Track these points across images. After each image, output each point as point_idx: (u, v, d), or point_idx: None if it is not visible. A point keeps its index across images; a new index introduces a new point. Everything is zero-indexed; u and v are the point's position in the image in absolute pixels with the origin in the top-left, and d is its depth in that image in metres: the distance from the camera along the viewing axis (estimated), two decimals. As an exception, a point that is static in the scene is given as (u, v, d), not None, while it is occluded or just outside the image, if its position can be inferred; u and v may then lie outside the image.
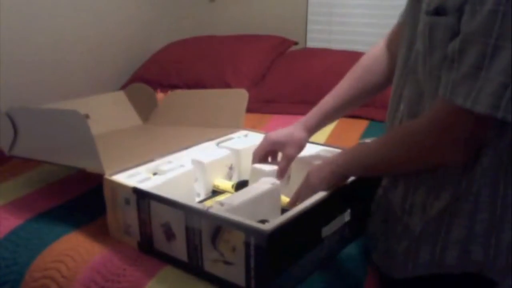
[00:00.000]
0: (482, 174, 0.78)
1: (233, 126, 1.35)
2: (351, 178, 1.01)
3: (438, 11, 0.75)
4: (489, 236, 0.80)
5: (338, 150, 1.20)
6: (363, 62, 1.12)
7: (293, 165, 1.13)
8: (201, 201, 1.13)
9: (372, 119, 1.83)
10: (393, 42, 1.06)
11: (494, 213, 0.79)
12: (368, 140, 1.37)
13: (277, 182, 1.02)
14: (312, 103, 1.46)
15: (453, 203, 0.81)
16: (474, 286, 0.83)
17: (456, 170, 0.80)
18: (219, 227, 0.83)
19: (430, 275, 0.85)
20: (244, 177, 1.21)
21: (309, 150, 1.19)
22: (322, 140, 1.58)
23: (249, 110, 1.37)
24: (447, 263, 0.82)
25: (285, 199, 1.09)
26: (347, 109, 1.12)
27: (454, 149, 0.76)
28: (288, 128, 1.11)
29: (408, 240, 0.87)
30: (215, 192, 1.17)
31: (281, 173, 1.08)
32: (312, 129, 1.11)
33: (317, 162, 1.09)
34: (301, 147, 1.11)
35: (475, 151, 0.77)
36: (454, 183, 0.81)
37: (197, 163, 1.16)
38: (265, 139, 1.11)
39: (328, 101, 1.11)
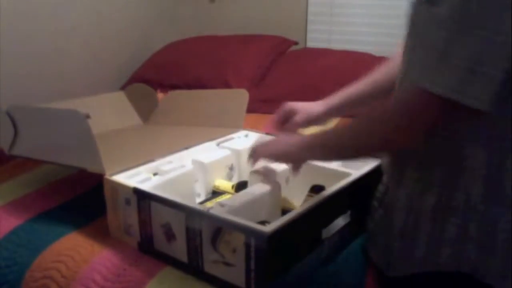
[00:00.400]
0: (471, 173, 0.78)
1: (233, 126, 1.35)
2: (351, 179, 1.01)
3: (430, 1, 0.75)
4: (482, 235, 0.79)
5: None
6: (392, 58, 1.07)
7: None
8: (201, 203, 1.13)
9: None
10: None
11: (486, 213, 0.78)
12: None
13: (278, 182, 1.02)
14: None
15: (446, 202, 0.81)
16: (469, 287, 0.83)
17: (448, 168, 0.80)
18: (220, 228, 0.83)
19: (425, 274, 0.85)
20: (245, 177, 1.21)
21: None
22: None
23: (249, 110, 1.37)
24: (441, 261, 0.82)
25: (285, 200, 1.09)
26: (375, 99, 1.06)
27: (411, 131, 0.76)
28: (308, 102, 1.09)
29: (403, 237, 0.87)
30: (215, 193, 1.17)
31: (277, 127, 1.08)
32: (333, 108, 1.08)
33: (314, 163, 1.09)
34: (310, 119, 1.08)
35: (425, 135, 0.77)
36: (447, 182, 0.80)
37: (198, 164, 1.16)
38: (282, 106, 1.10)
39: (354, 87, 1.07)
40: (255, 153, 1.00)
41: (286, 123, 1.11)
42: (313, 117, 1.09)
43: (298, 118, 1.08)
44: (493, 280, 0.80)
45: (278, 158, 0.98)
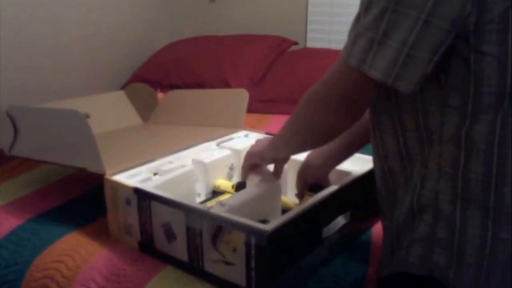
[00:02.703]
0: (439, 172, 0.75)
1: (233, 126, 1.35)
2: (352, 178, 1.01)
3: None
4: (451, 240, 0.74)
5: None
6: None
7: (288, 165, 1.13)
8: (201, 202, 1.13)
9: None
10: None
11: (454, 213, 0.74)
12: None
13: (278, 182, 1.02)
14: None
15: (418, 199, 0.78)
16: None
17: (421, 160, 0.77)
18: (220, 227, 0.83)
19: (401, 274, 0.81)
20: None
21: None
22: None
23: (249, 110, 1.38)
24: (410, 261, 0.79)
25: (285, 199, 1.09)
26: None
27: (339, 106, 0.75)
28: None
29: (388, 237, 0.87)
30: (216, 193, 1.17)
31: (277, 175, 1.06)
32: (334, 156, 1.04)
33: (315, 162, 1.09)
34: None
35: (357, 115, 0.76)
36: (421, 179, 0.77)
37: (198, 163, 1.16)
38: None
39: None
40: (245, 159, 1.03)
41: None
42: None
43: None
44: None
45: (264, 158, 1.00)
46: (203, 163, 1.16)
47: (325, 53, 2.30)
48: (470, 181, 0.72)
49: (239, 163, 1.23)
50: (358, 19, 0.73)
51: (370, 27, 0.69)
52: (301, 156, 1.15)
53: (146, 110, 1.63)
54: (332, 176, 1.06)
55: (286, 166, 1.15)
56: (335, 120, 0.77)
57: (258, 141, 1.04)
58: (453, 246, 0.74)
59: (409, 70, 0.67)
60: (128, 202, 0.99)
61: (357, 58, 0.70)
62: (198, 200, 1.15)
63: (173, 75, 2.32)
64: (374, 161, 0.89)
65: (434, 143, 0.75)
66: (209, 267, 0.88)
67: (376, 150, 0.86)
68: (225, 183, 1.18)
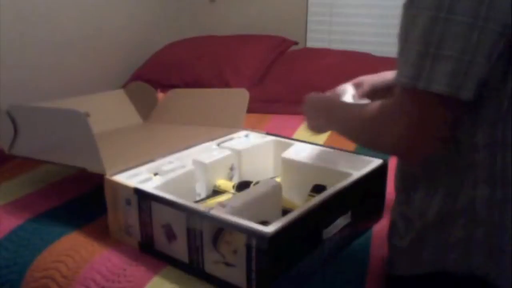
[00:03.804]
0: (474, 176, 0.75)
1: (234, 126, 1.35)
2: (353, 178, 1.01)
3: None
4: (489, 238, 0.76)
5: (337, 151, 1.20)
6: None
7: (289, 165, 1.13)
8: (201, 200, 1.13)
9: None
10: None
11: (492, 215, 0.75)
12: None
13: (278, 182, 1.02)
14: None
15: (451, 205, 0.78)
16: None
17: (451, 168, 0.77)
18: (220, 228, 0.83)
19: (431, 274, 0.83)
20: (245, 177, 1.21)
21: (308, 150, 1.19)
22: (322, 140, 1.58)
23: (249, 110, 1.37)
24: (448, 264, 0.80)
25: (285, 199, 1.09)
26: None
27: (408, 130, 0.72)
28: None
29: (410, 237, 0.85)
30: (216, 192, 1.17)
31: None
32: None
33: (316, 163, 1.10)
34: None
35: (439, 137, 0.73)
36: (449, 182, 0.78)
37: (198, 164, 1.16)
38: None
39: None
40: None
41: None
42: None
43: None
44: (505, 283, 0.77)
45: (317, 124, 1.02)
46: (203, 163, 1.15)
47: (325, 53, 2.30)
48: (507, 182, 0.73)
49: (239, 163, 1.23)
50: (405, 30, 0.70)
51: (419, 40, 0.66)
52: (301, 157, 1.15)
53: (146, 109, 1.63)
54: (333, 177, 1.06)
55: (286, 166, 1.15)
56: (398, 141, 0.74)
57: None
58: (491, 244, 0.76)
59: (470, 79, 0.66)
60: (128, 202, 0.99)
61: (411, 75, 0.67)
62: (198, 199, 1.15)
63: (173, 75, 2.32)
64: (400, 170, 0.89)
65: (467, 151, 0.74)
66: (209, 268, 0.88)
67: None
68: (225, 183, 1.18)
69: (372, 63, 2.14)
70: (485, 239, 0.76)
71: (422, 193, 0.82)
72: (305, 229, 0.88)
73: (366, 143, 0.82)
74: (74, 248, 1.02)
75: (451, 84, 0.66)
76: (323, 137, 1.63)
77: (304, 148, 1.20)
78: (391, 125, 0.73)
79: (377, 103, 0.79)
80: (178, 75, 2.31)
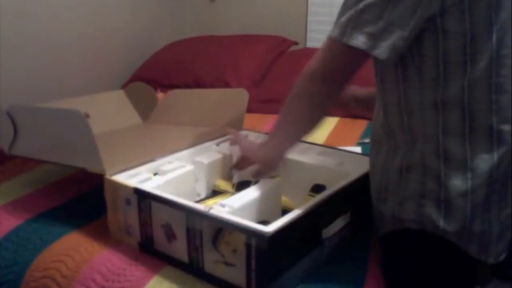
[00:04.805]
0: (425, 136, 0.86)
1: (233, 126, 1.35)
2: (352, 178, 1.01)
3: None
4: (438, 191, 0.86)
5: (337, 151, 1.20)
6: None
7: (288, 165, 1.13)
8: (201, 200, 1.13)
9: (371, 119, 1.83)
10: None
11: (438, 170, 0.85)
12: (367, 140, 1.38)
13: (278, 182, 1.02)
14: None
15: (407, 162, 0.88)
16: (435, 247, 0.88)
17: (401, 128, 0.89)
18: (220, 228, 0.83)
19: (395, 232, 0.91)
20: (245, 177, 1.21)
21: (307, 150, 1.20)
22: (322, 140, 1.58)
23: (249, 110, 1.37)
24: (405, 218, 0.89)
25: (285, 199, 1.09)
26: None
27: (330, 72, 0.88)
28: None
29: (378, 199, 0.94)
30: (216, 192, 1.17)
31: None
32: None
33: (315, 163, 1.11)
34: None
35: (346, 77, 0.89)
36: (408, 145, 0.89)
37: (198, 164, 1.16)
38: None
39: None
40: (247, 161, 1.09)
41: None
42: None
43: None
44: (455, 238, 0.86)
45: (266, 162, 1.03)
46: (203, 163, 1.16)
47: (325, 53, 2.29)
48: (448, 139, 0.84)
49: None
50: (354, 8, 0.82)
51: (350, 7, 0.82)
52: (301, 156, 1.15)
53: (146, 109, 1.63)
54: (332, 177, 1.06)
55: (285, 166, 1.15)
56: (328, 87, 0.89)
57: (248, 148, 1.08)
58: (440, 196, 0.85)
59: (384, 41, 0.80)
60: (128, 202, 0.99)
61: (339, 32, 0.83)
62: (198, 199, 1.15)
63: (173, 75, 2.32)
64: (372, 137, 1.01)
65: (415, 112, 0.86)
66: (209, 267, 0.88)
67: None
68: (225, 183, 1.18)
69: (370, 62, 2.13)
70: (435, 190, 0.86)
71: (385, 155, 0.93)
72: (304, 229, 0.88)
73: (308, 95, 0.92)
74: (74, 248, 1.02)
75: (366, 42, 0.81)
76: (323, 137, 1.63)
77: (303, 148, 1.20)
78: (315, 62, 0.89)
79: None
80: (178, 75, 2.31)
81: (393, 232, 0.92)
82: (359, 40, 0.81)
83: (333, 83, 0.89)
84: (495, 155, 0.84)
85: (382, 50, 0.80)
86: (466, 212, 0.85)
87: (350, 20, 0.82)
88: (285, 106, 0.96)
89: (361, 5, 0.81)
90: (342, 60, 0.86)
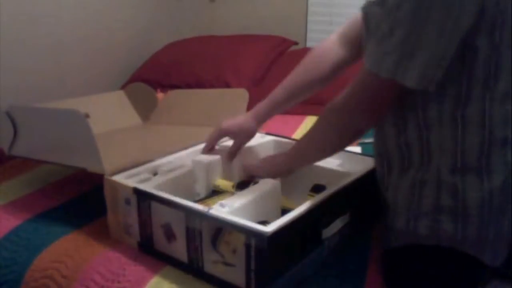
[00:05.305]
0: (441, 150, 0.86)
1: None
2: (352, 178, 1.01)
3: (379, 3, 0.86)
4: (454, 205, 0.86)
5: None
6: (312, 53, 1.18)
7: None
8: (200, 200, 1.13)
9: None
10: (351, 32, 1.15)
11: (455, 183, 0.85)
12: (367, 140, 1.38)
13: (278, 182, 1.02)
14: (312, 103, 1.46)
15: (421, 177, 0.88)
16: (450, 260, 0.88)
17: (417, 144, 0.88)
18: (220, 228, 0.83)
19: (408, 247, 0.91)
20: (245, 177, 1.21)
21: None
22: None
23: (249, 110, 1.37)
24: (419, 233, 0.88)
25: (285, 199, 1.09)
26: (296, 99, 1.17)
27: (371, 109, 0.87)
28: (239, 117, 1.19)
29: (387, 213, 0.94)
30: (216, 192, 1.17)
31: (231, 156, 1.18)
32: (262, 119, 1.18)
33: (315, 163, 1.11)
34: (250, 137, 1.20)
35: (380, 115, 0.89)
36: (418, 156, 0.88)
37: (197, 163, 1.16)
38: (217, 129, 1.19)
39: (278, 92, 1.18)
40: (247, 172, 1.11)
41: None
42: (252, 135, 1.20)
43: (241, 140, 1.19)
44: (471, 248, 0.86)
45: (274, 177, 1.06)
46: (202, 162, 1.15)
47: (325, 53, 2.29)
48: (466, 152, 0.84)
49: (238, 162, 1.23)
50: (382, 37, 0.80)
51: (397, 48, 0.77)
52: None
53: (145, 110, 1.63)
54: (332, 177, 1.06)
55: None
56: (363, 121, 0.89)
57: (260, 163, 1.11)
58: (457, 211, 0.85)
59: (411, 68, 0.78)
60: (127, 202, 0.99)
61: (390, 71, 0.79)
62: (198, 199, 1.15)
63: (173, 75, 2.32)
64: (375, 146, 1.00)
65: (434, 127, 0.85)
66: (208, 268, 0.88)
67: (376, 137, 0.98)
68: (225, 183, 1.18)
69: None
70: (450, 204, 0.86)
71: (397, 168, 0.93)
72: (304, 229, 0.88)
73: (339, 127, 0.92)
74: (74, 248, 1.02)
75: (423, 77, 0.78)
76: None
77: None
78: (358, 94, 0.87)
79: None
80: (178, 75, 2.31)
81: (404, 246, 0.91)
82: (386, 68, 0.79)
83: (369, 113, 0.88)
84: (510, 164, 0.85)
85: (409, 77, 0.78)
86: (484, 221, 0.85)
87: (378, 48, 0.80)
88: (313, 132, 0.97)
89: (386, 31, 0.78)
90: (372, 90, 0.85)
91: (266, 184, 1.00)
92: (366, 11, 0.92)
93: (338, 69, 1.13)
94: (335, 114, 0.91)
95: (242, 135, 1.18)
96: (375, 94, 0.85)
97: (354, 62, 1.13)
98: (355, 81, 0.87)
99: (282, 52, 2.41)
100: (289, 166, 1.06)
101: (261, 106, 1.18)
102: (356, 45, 1.09)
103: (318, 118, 0.96)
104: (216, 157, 1.19)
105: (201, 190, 1.17)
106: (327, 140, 0.96)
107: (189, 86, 2.23)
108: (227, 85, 2.17)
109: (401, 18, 0.76)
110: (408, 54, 0.77)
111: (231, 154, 1.18)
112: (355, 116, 0.88)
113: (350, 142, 0.96)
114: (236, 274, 0.83)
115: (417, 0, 0.74)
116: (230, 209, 0.88)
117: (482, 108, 0.82)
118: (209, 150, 1.20)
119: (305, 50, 2.46)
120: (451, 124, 0.84)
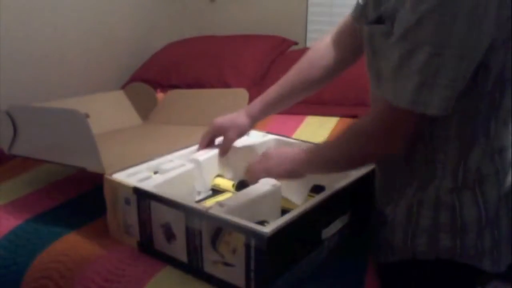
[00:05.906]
0: (442, 170, 0.86)
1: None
2: (352, 179, 1.01)
3: (378, 21, 0.85)
4: (452, 222, 0.87)
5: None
6: (308, 55, 1.18)
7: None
8: (200, 200, 1.13)
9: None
10: (342, 37, 1.15)
11: (452, 202, 0.87)
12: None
13: (278, 183, 1.02)
14: (312, 103, 1.46)
15: (420, 196, 0.89)
16: (450, 272, 0.89)
17: (420, 162, 0.88)
18: (220, 228, 0.83)
19: (406, 261, 0.91)
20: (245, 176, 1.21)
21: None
22: (322, 140, 1.58)
23: (247, 109, 1.37)
24: (418, 249, 0.89)
25: (285, 199, 1.09)
26: (290, 100, 1.18)
27: (390, 141, 0.84)
28: (232, 114, 1.19)
29: (385, 228, 0.94)
30: (216, 191, 1.17)
31: (222, 153, 1.18)
32: (255, 117, 1.18)
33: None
34: (242, 132, 1.19)
35: (406, 142, 0.85)
36: (419, 175, 0.89)
37: (193, 161, 1.16)
38: (210, 124, 1.19)
39: (272, 91, 1.18)
40: (253, 172, 1.03)
41: (214, 140, 1.21)
42: (244, 131, 1.19)
43: (232, 135, 1.17)
44: (469, 258, 0.87)
45: (279, 176, 1.00)
46: (198, 160, 1.15)
47: (325, 53, 2.29)
48: (468, 171, 0.86)
49: (235, 158, 1.23)
50: (401, 60, 0.77)
51: (420, 72, 0.74)
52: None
53: (145, 110, 1.63)
54: (332, 177, 1.06)
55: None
56: (383, 151, 0.88)
57: (266, 156, 1.04)
58: (455, 228, 0.87)
59: (431, 96, 0.76)
60: (127, 202, 0.99)
61: (410, 100, 0.76)
62: (198, 198, 1.15)
63: (173, 75, 2.32)
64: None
65: (440, 145, 0.85)
66: (208, 268, 0.88)
67: None
68: (225, 182, 1.18)
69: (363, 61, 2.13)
70: (449, 222, 0.87)
71: (396, 185, 0.93)
72: (304, 229, 0.88)
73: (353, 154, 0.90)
74: (73, 248, 1.02)
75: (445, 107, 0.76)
76: (323, 137, 1.63)
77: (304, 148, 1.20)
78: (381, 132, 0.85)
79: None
80: (178, 75, 2.31)
81: (400, 261, 0.92)
82: (406, 101, 0.77)
83: (392, 143, 0.86)
84: (504, 175, 0.87)
85: (432, 106, 0.76)
86: (480, 233, 0.87)
87: (396, 76, 0.78)
88: (334, 149, 0.94)
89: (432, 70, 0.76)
90: (394, 122, 0.82)
91: (266, 184, 1.00)
92: (371, 31, 0.89)
93: (331, 74, 1.13)
94: (355, 141, 0.89)
95: (235, 129, 1.17)
96: (398, 126, 0.83)
97: (347, 67, 1.14)
98: (378, 108, 0.85)
99: (282, 52, 2.41)
100: (300, 168, 0.99)
101: (254, 104, 1.18)
102: (348, 50, 1.11)
103: (341, 137, 0.92)
104: (211, 154, 1.18)
105: (200, 187, 1.17)
106: (343, 161, 0.93)
107: (189, 86, 2.23)
108: (227, 85, 2.17)
109: (422, 38, 0.73)
110: (431, 78, 0.74)
111: (224, 149, 1.19)
112: (377, 145, 0.87)
113: (361, 167, 0.97)
114: (235, 274, 0.83)
115: (440, 18, 0.71)
116: (229, 208, 0.88)
117: (488, 126, 0.84)
118: (204, 147, 1.20)
119: (305, 50, 2.44)
120: (457, 142, 0.85)
